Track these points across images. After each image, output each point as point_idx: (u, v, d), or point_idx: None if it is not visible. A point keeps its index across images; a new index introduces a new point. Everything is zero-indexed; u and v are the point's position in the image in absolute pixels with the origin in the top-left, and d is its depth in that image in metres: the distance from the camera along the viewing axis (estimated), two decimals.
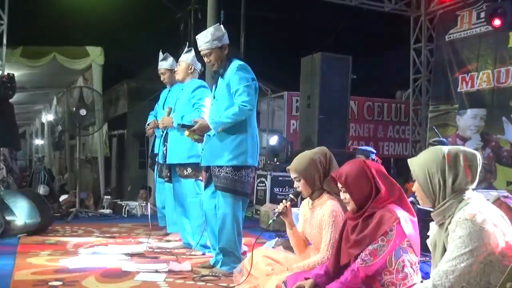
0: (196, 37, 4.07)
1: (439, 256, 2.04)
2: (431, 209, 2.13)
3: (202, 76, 4.51)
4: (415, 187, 2.14)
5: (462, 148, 2.10)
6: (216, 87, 4.09)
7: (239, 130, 3.93)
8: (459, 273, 1.88)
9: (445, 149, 2.08)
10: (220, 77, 4.04)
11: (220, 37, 3.98)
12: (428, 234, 2.22)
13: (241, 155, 3.93)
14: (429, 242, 2.20)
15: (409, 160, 2.16)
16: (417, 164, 2.12)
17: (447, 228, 2.01)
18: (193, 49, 4.97)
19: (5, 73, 7.11)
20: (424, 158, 2.11)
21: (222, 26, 4.07)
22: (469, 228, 1.90)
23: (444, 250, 2.00)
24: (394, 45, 11.35)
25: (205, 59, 4.07)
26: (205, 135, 4.05)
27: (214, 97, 4.09)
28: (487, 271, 1.92)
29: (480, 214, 1.92)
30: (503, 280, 1.76)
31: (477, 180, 2.06)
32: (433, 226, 2.17)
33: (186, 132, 4.04)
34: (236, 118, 3.86)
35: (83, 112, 7.13)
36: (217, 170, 3.96)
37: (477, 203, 1.97)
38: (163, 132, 5.10)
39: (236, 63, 3.98)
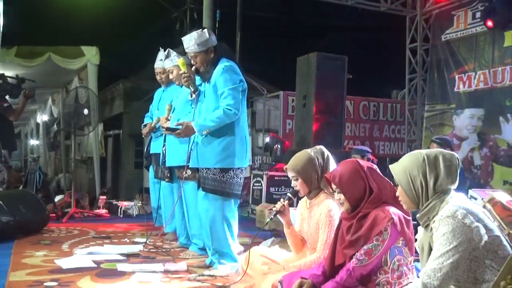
0: (182, 38, 4.05)
1: (426, 257, 2.09)
2: None
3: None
4: (399, 192, 2.20)
5: (440, 150, 2.18)
6: (204, 87, 4.08)
7: (226, 132, 3.92)
8: (447, 270, 1.92)
9: (424, 152, 2.15)
10: (207, 79, 4.03)
11: (204, 42, 3.95)
12: (416, 237, 2.25)
13: (228, 157, 3.93)
14: (417, 245, 2.24)
15: (390, 166, 2.21)
16: (399, 169, 2.17)
17: (431, 228, 2.05)
18: (170, 50, 4.92)
19: None
20: (405, 163, 2.17)
21: (206, 30, 4.00)
22: (451, 225, 1.94)
23: (431, 250, 2.04)
24: (389, 45, 11.38)
25: (191, 60, 4.06)
26: (193, 137, 4.04)
27: (204, 96, 4.08)
28: (473, 267, 1.97)
29: (461, 210, 1.96)
30: (497, 278, 1.77)
31: (457, 180, 2.12)
32: (420, 229, 2.21)
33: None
34: (221, 121, 3.85)
35: (86, 111, 7.13)
36: (205, 171, 3.96)
37: (458, 201, 2.02)
38: (157, 130, 5.08)
39: (222, 64, 3.95)
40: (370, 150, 7.41)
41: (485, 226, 1.96)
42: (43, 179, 7.56)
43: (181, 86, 4.82)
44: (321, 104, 7.15)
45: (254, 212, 7.12)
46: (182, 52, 4.91)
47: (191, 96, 4.15)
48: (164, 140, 4.98)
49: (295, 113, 8.10)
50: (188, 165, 4.17)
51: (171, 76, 5.06)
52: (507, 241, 2.04)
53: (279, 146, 7.93)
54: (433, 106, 9.41)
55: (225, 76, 3.90)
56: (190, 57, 4.07)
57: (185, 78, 4.04)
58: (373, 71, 13.28)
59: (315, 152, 3.26)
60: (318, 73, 7.14)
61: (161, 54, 5.32)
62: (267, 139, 8.03)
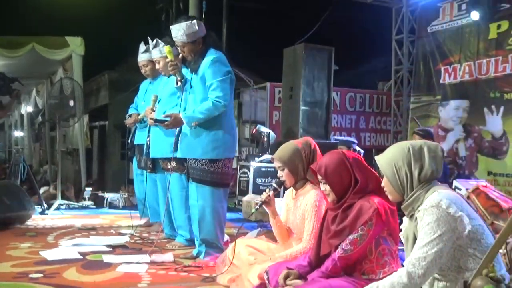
0: (170, 27, 4.00)
1: (411, 246, 2.11)
2: None
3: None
4: (384, 182, 2.22)
5: (425, 141, 2.20)
6: (191, 77, 4.06)
7: (214, 124, 3.91)
8: (431, 259, 1.94)
9: (409, 143, 2.18)
10: (194, 69, 4.01)
11: (193, 33, 3.91)
12: (401, 227, 2.27)
13: (216, 148, 3.93)
14: (401, 235, 2.26)
15: (376, 157, 2.24)
16: (384, 160, 2.19)
17: (416, 218, 2.07)
18: (158, 40, 4.88)
19: None
20: (390, 154, 2.19)
21: (195, 21, 3.95)
22: (436, 214, 1.97)
23: (415, 239, 2.06)
24: (376, 37, 11.42)
25: (179, 49, 4.03)
26: (182, 131, 4.02)
27: (191, 87, 4.05)
28: (457, 255, 1.99)
29: (445, 200, 1.98)
30: (479, 266, 1.80)
31: (441, 171, 2.14)
32: (405, 219, 2.23)
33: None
34: (210, 113, 3.84)
35: (71, 103, 7.07)
36: (193, 162, 3.96)
37: (442, 191, 2.04)
38: (142, 121, 5.05)
39: (211, 55, 3.92)
40: (356, 141, 7.45)
41: (469, 216, 1.98)
42: (27, 171, 7.49)
43: (168, 77, 4.79)
44: (307, 96, 7.16)
45: (241, 203, 7.13)
46: (169, 42, 4.87)
47: (177, 84, 4.13)
48: (149, 131, 4.96)
49: (282, 105, 8.10)
50: (175, 157, 4.16)
51: (157, 67, 4.94)
52: (489, 230, 2.07)
53: (265, 138, 7.93)
54: (418, 98, 9.47)
55: (213, 67, 3.88)
56: (177, 47, 4.03)
57: (172, 66, 4.02)
58: (360, 63, 13.32)
59: (302, 143, 3.28)
60: (305, 64, 7.13)
61: (142, 46, 5.27)
62: (254, 131, 8.01)
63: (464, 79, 8.50)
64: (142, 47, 5.29)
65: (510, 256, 2.74)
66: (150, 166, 5.04)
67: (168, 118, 3.98)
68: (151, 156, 4.88)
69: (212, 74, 3.87)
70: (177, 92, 4.45)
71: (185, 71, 4.20)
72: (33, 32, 8.99)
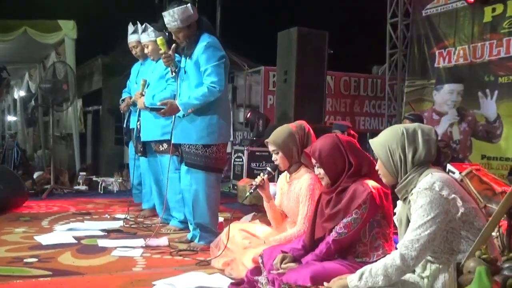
0: (163, 14, 3.96)
1: (404, 229, 2.12)
2: None
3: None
4: (378, 165, 2.22)
5: (418, 124, 2.20)
6: (185, 63, 4.03)
7: (209, 110, 3.90)
8: (424, 241, 1.95)
9: (403, 126, 2.18)
10: (188, 55, 3.97)
11: (187, 17, 3.87)
12: (394, 210, 2.28)
13: (211, 134, 3.92)
14: (395, 218, 2.27)
15: (370, 140, 2.24)
16: (378, 142, 2.19)
17: (409, 200, 2.08)
18: (147, 24, 4.86)
19: None
20: (385, 137, 2.19)
21: (189, 5, 3.92)
22: (429, 197, 1.97)
23: (409, 222, 2.07)
24: (370, 20, 11.35)
25: (173, 36, 3.99)
26: (176, 116, 4.01)
27: (185, 72, 4.03)
28: (449, 238, 2.01)
29: (439, 182, 1.99)
30: (472, 248, 1.82)
31: (435, 154, 2.14)
32: (398, 203, 2.24)
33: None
34: (205, 99, 3.83)
35: (65, 87, 7.02)
36: (188, 147, 3.95)
37: (435, 174, 2.05)
38: (134, 105, 5.04)
39: (205, 40, 3.89)
40: (350, 125, 7.45)
41: (462, 198, 1.99)
42: (21, 156, 7.46)
43: (156, 62, 4.83)
44: (302, 80, 7.14)
45: (235, 187, 7.15)
46: (160, 27, 4.84)
47: (172, 74, 4.10)
48: (139, 115, 4.96)
49: (276, 89, 8.08)
50: (166, 139, 4.17)
51: (146, 51, 5.00)
52: (482, 213, 2.08)
53: (261, 121, 7.92)
54: (413, 82, 9.45)
55: (207, 52, 3.85)
56: (172, 33, 3.98)
57: (166, 58, 3.98)
58: (354, 47, 13.27)
59: (296, 127, 3.28)
60: (299, 48, 7.10)
61: (131, 27, 5.27)
62: (249, 115, 8.00)
63: (458, 63, 8.48)
64: (130, 28, 5.29)
65: (503, 239, 2.76)
66: (141, 149, 5.05)
67: (164, 106, 3.95)
68: (142, 139, 4.89)
69: (206, 59, 3.84)
70: (166, 76, 4.47)
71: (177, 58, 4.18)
72: (25, 16, 8.87)
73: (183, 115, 3.91)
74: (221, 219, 4.40)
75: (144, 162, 5.17)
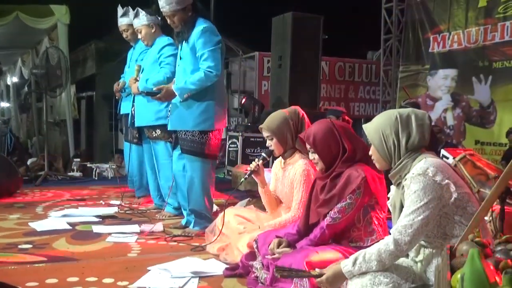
0: None
1: (398, 214, 2.13)
2: None
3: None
4: (372, 151, 2.21)
5: (412, 109, 2.19)
6: (181, 48, 4.01)
7: (205, 96, 3.88)
8: (417, 226, 1.96)
9: (397, 111, 2.17)
10: (184, 39, 3.95)
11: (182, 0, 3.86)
12: (388, 196, 2.29)
13: (207, 120, 3.91)
14: (389, 203, 2.27)
15: (364, 125, 2.23)
16: (372, 128, 2.19)
17: (403, 186, 2.08)
18: (138, 9, 4.82)
19: None
20: (378, 122, 2.18)
21: None
22: (422, 182, 1.97)
23: (402, 207, 2.08)
24: (365, 5, 11.29)
25: (168, 20, 3.96)
26: (172, 102, 4.00)
27: (180, 58, 4.01)
28: (443, 223, 2.01)
29: (432, 168, 1.99)
30: (465, 232, 1.83)
31: (428, 139, 2.14)
32: (392, 188, 2.25)
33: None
34: (202, 84, 3.81)
35: (58, 72, 6.97)
36: (184, 133, 3.94)
37: (429, 159, 2.05)
38: (123, 91, 5.05)
39: (201, 25, 3.86)
40: (345, 111, 7.44)
41: (455, 183, 2.00)
42: (14, 142, 7.42)
43: (151, 47, 4.84)
44: (296, 65, 7.10)
45: (230, 173, 7.15)
46: (153, 12, 4.82)
47: None
48: (133, 101, 4.93)
49: (271, 74, 8.05)
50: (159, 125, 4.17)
51: (139, 36, 4.97)
52: (476, 198, 2.09)
53: (257, 107, 7.89)
54: (407, 67, 9.45)
55: (204, 37, 3.82)
56: (167, 17, 3.95)
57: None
58: (349, 32, 13.21)
59: (290, 112, 3.28)
60: (294, 33, 7.06)
61: (120, 10, 5.23)
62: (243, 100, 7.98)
63: (452, 48, 8.48)
64: (119, 11, 5.23)
65: (496, 223, 2.78)
66: (137, 136, 5.03)
67: (160, 91, 3.94)
68: (136, 125, 4.87)
69: (202, 44, 3.82)
70: (159, 58, 4.59)
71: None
72: (17, 0, 8.77)
73: (180, 101, 3.90)
74: (215, 207, 4.40)
75: (136, 149, 5.17)
